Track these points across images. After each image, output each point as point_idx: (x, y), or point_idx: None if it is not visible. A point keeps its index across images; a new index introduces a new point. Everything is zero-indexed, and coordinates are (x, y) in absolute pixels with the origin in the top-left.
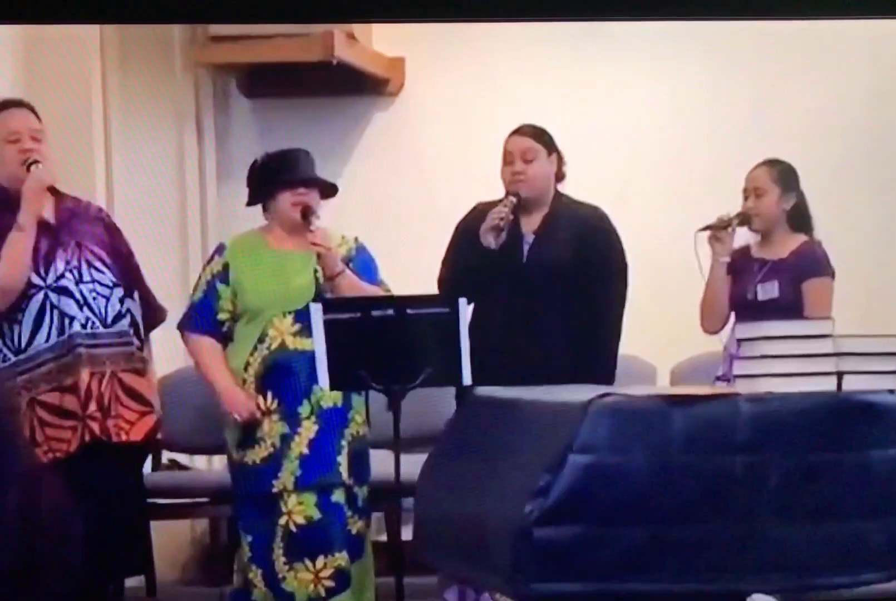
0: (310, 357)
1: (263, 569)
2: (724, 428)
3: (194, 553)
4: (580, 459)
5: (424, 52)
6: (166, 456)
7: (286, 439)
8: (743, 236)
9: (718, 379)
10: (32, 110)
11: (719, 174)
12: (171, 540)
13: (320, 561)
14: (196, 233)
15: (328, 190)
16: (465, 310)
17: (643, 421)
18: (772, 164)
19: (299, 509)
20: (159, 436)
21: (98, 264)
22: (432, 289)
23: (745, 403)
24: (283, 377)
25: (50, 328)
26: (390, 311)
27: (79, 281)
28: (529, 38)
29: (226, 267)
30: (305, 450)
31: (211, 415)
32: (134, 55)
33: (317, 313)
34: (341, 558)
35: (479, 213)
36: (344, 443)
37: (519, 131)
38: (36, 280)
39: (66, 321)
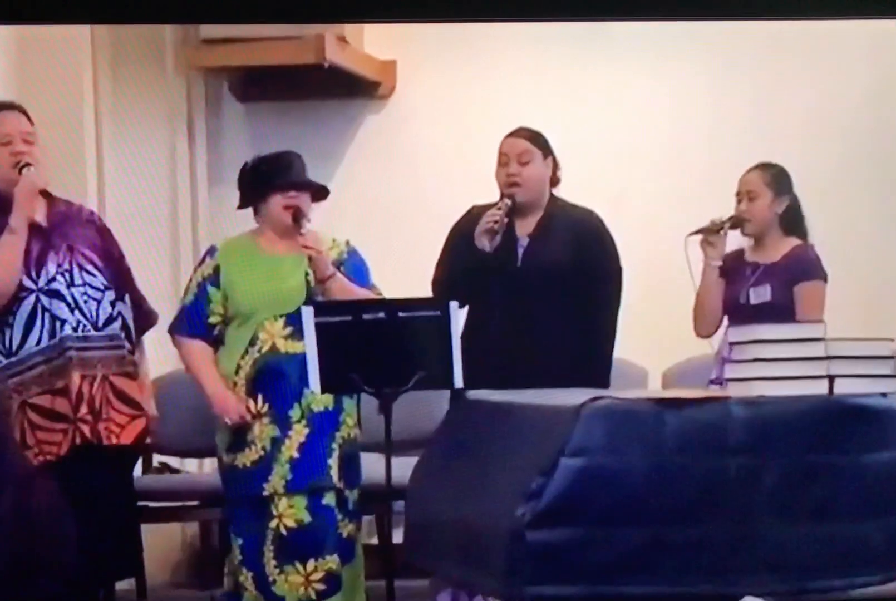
0: (301, 360)
1: (254, 572)
2: (717, 431)
3: (185, 556)
4: (573, 462)
5: (416, 55)
6: (157, 459)
7: (277, 443)
8: (737, 240)
9: (712, 382)
10: (24, 113)
11: (719, 175)
12: (161, 543)
13: (311, 564)
14: (187, 235)
15: (319, 193)
16: (457, 314)
17: (636, 424)
18: (765, 167)
19: (290, 512)
20: (149, 440)
21: (89, 267)
22: (424, 291)
23: (737, 406)
24: (273, 380)
25: (41, 331)
26: (382, 314)
27: (70, 284)
28: (523, 39)
29: (217, 270)
30: (296, 454)
31: (202, 419)
32: (126, 58)
33: (308, 316)
34: (332, 561)
35: (474, 215)
36: (335, 446)
37: (515, 133)
38: (27, 283)
39: (58, 324)
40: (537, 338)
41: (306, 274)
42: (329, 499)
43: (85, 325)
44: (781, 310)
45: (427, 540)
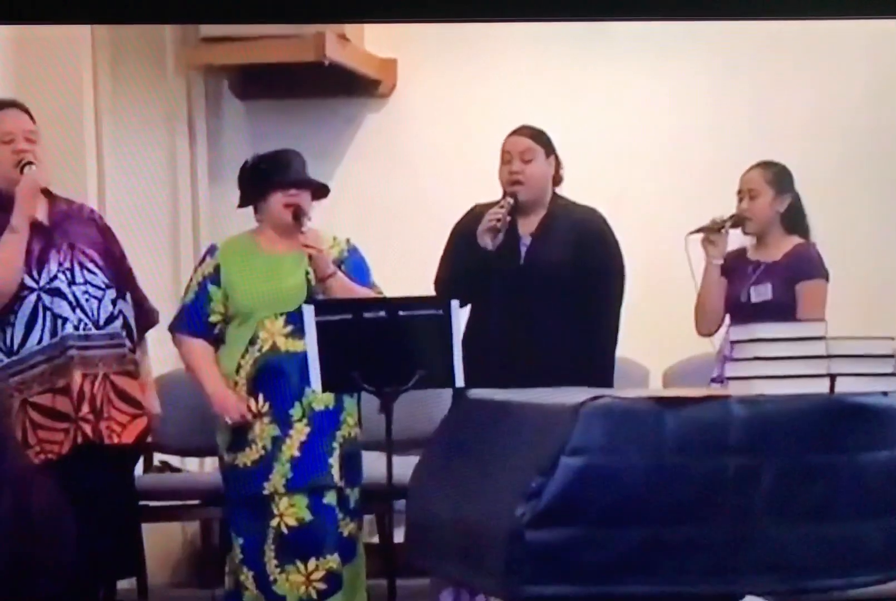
0: (301, 359)
1: (255, 571)
2: (717, 430)
3: (186, 555)
4: (573, 461)
5: (416, 53)
6: (158, 458)
7: (277, 442)
8: (739, 238)
9: (713, 381)
10: (26, 111)
11: (719, 175)
12: (162, 542)
13: (312, 563)
14: (188, 234)
15: (320, 191)
16: (458, 312)
17: (635, 423)
18: (766, 165)
19: (291, 511)
20: (150, 439)
21: (91, 266)
22: (424, 290)
23: (737, 405)
24: (274, 379)
25: (42, 330)
26: (382, 313)
27: (71, 282)
28: (523, 38)
29: (217, 268)
30: (297, 453)
31: (203, 417)
32: (125, 57)
33: (309, 315)
34: (333, 560)
35: (476, 214)
36: (336, 445)
37: (518, 132)
38: (29, 282)
39: (59, 323)
40: (540, 336)
41: (307, 272)
42: (330, 498)
43: (86, 324)
44: (782, 309)
45: (427, 539)
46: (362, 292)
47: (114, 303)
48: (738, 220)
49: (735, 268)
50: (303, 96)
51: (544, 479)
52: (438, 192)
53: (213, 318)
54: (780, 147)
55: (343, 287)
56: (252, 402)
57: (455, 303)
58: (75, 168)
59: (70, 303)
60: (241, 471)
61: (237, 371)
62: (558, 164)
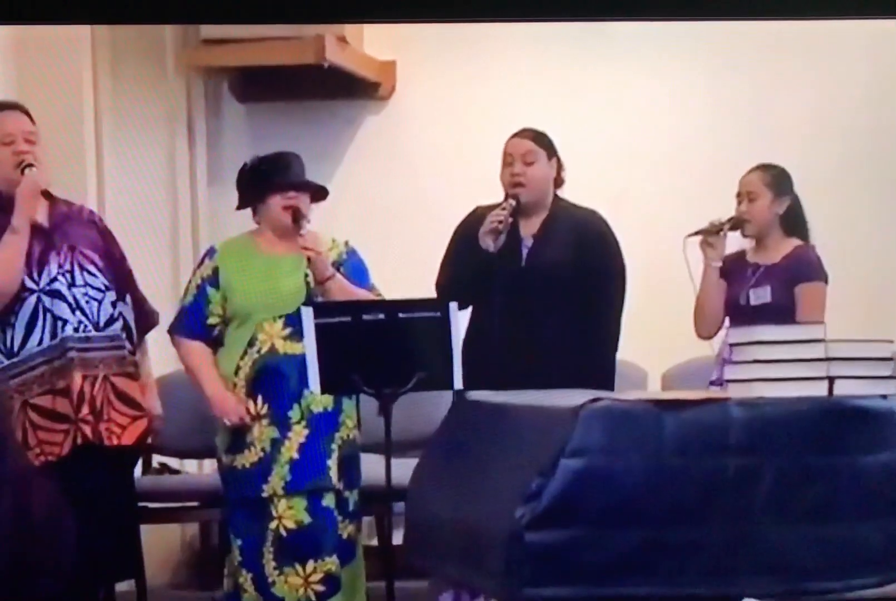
0: (300, 361)
1: (254, 573)
2: (716, 432)
3: (185, 557)
4: (572, 463)
5: (415, 56)
6: (157, 459)
7: (276, 444)
8: (739, 241)
9: (712, 383)
10: (26, 112)
11: (719, 175)
12: (161, 544)
13: (310, 565)
14: (187, 236)
15: (319, 193)
16: (457, 314)
17: (635, 425)
18: (765, 168)
19: (289, 514)
20: (150, 440)
21: (91, 268)
22: (424, 292)
23: (736, 408)
24: (273, 381)
25: (42, 331)
26: (381, 315)
27: (71, 284)
28: (523, 39)
29: (216, 271)
30: (295, 455)
31: (202, 419)
32: (125, 58)
33: (308, 317)
34: (331, 562)
35: (478, 215)
36: (334, 447)
37: (519, 134)
38: (29, 283)
39: (59, 324)
40: (541, 338)
41: (305, 275)
42: (328, 500)
43: (86, 326)
44: (781, 312)
45: (427, 541)
46: (361, 294)
47: (114, 304)
48: (736, 223)
49: (734, 270)
50: (302, 98)
51: (544, 481)
52: (438, 194)
53: (212, 320)
54: (780, 147)
55: (342, 289)
56: (251, 404)
57: (454, 305)
58: (75, 169)
59: (70, 304)
60: (239, 473)
61: (236, 373)
62: (560, 167)
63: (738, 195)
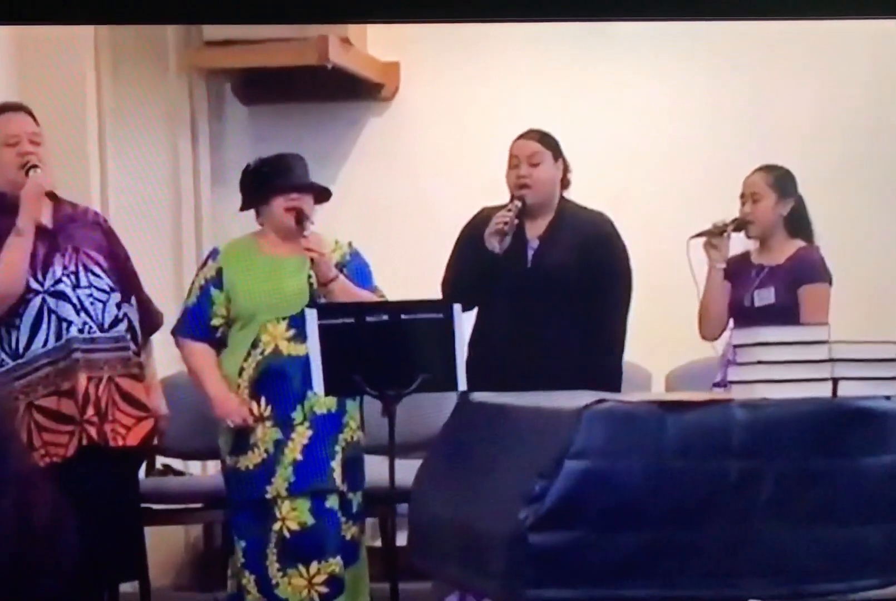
0: (303, 362)
1: (257, 574)
2: (719, 434)
3: (188, 558)
4: (575, 465)
5: (419, 57)
6: (160, 461)
7: (279, 445)
8: (743, 242)
9: (716, 385)
10: (30, 114)
11: (719, 175)
12: (165, 545)
13: (314, 566)
14: (190, 237)
15: (322, 195)
16: (460, 316)
17: (638, 426)
18: (769, 169)
19: (293, 515)
20: (157, 441)
21: (95, 269)
22: (427, 294)
23: (739, 409)
24: (276, 382)
25: (47, 333)
26: (385, 317)
27: (76, 286)
28: (525, 40)
29: (219, 272)
30: (299, 456)
31: (205, 421)
32: (128, 59)
33: (311, 318)
34: (335, 564)
35: (484, 217)
36: (338, 448)
37: (525, 135)
38: (33, 285)
39: (64, 326)
40: (546, 339)
41: (309, 276)
42: (332, 501)
43: (91, 327)
44: (786, 313)
45: (430, 542)
46: (364, 296)
47: (118, 306)
48: (740, 224)
49: (738, 271)
50: (305, 100)
51: (547, 483)
52: (441, 195)
53: (216, 322)
54: (780, 147)
55: (345, 291)
56: (254, 406)
57: (457, 306)
58: (78, 170)
59: (75, 306)
60: (243, 475)
61: (239, 374)
62: (566, 168)
63: (742, 196)
